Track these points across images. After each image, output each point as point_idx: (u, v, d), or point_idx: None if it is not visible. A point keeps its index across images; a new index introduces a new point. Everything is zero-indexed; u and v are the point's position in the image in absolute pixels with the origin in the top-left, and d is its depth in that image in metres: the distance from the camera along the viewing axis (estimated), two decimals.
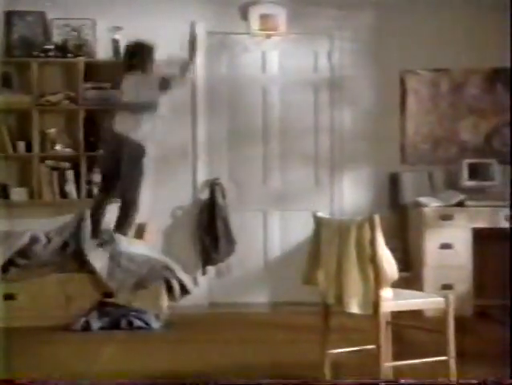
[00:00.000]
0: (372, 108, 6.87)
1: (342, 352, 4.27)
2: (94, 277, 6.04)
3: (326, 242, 3.98)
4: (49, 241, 6.24)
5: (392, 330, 4.25)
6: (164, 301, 6.04)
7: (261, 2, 6.81)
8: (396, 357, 4.16)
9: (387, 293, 3.83)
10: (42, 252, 6.16)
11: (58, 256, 6.17)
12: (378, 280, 3.76)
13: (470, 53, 6.80)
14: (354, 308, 3.83)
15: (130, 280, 6.01)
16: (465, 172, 6.65)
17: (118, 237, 6.22)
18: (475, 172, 6.66)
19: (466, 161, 6.70)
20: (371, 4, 6.82)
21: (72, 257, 6.15)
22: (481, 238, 6.34)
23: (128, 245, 6.22)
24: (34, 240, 6.20)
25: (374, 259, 3.76)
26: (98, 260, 6.07)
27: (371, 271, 3.77)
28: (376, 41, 6.83)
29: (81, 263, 6.10)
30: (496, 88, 6.93)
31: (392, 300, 3.88)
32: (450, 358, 3.93)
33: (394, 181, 6.78)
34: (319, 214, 4.16)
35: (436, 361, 3.95)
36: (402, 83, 6.90)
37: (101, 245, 6.19)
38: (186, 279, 6.17)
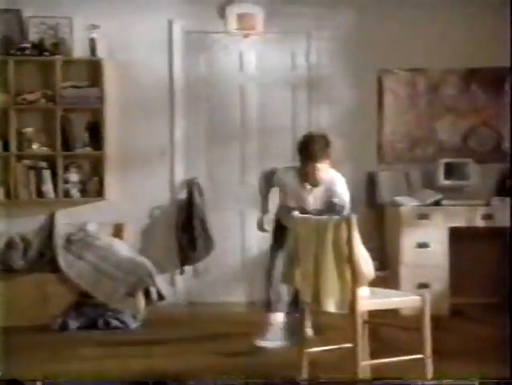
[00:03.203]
0: (350, 108, 6.89)
1: (320, 351, 4.29)
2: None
3: (303, 241, 3.99)
4: (26, 246, 6.22)
5: (370, 328, 4.28)
6: (142, 304, 6.03)
7: (238, 1, 6.79)
8: (374, 355, 4.18)
9: (363, 292, 3.85)
10: (18, 260, 6.14)
11: (35, 263, 6.16)
12: (355, 279, 3.78)
13: (446, 53, 6.84)
14: (330, 307, 3.85)
15: (119, 290, 6.00)
16: (442, 172, 6.69)
17: (98, 239, 6.23)
18: (451, 171, 6.70)
19: (443, 161, 6.74)
20: (348, 4, 6.83)
21: (49, 263, 6.14)
22: (458, 237, 6.38)
23: (110, 247, 6.21)
24: (10, 245, 6.19)
25: (351, 258, 3.77)
26: (75, 270, 6.05)
27: (348, 270, 3.79)
28: (354, 40, 6.85)
29: (58, 268, 6.09)
30: (472, 88, 6.97)
31: (368, 299, 3.90)
32: (426, 356, 3.95)
33: (371, 180, 6.80)
34: (297, 213, 4.18)
35: (412, 359, 3.97)
36: (379, 82, 6.93)
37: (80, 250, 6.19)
38: (162, 285, 6.19)
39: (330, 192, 4.98)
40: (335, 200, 4.91)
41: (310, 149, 4.84)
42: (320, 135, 5.03)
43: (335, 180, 5.05)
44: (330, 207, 4.88)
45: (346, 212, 4.79)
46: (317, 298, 3.86)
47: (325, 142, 4.92)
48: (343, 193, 5.01)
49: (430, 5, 6.79)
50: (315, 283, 3.87)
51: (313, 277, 3.88)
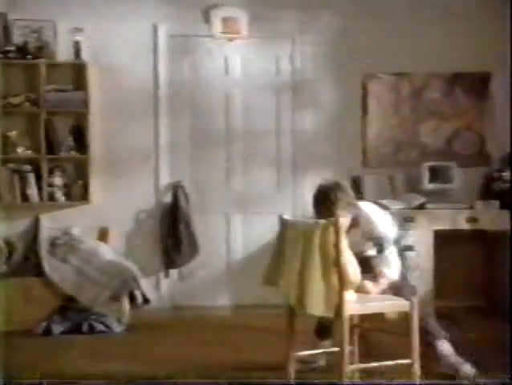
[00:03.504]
0: (334, 111, 6.91)
1: (307, 354, 4.29)
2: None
3: (290, 244, 3.99)
4: (10, 250, 6.19)
5: (360, 332, 4.30)
6: (126, 308, 6.02)
7: (223, 5, 6.81)
8: (363, 359, 4.19)
9: (350, 296, 3.86)
10: (1, 264, 6.12)
11: (19, 267, 6.13)
12: (341, 283, 3.78)
13: (430, 57, 6.87)
14: (315, 310, 3.85)
15: (104, 293, 5.98)
16: (426, 175, 6.72)
17: (82, 242, 6.21)
18: (436, 175, 6.72)
19: (427, 164, 6.77)
20: (332, 8, 6.85)
21: (34, 267, 6.11)
22: (442, 240, 6.40)
23: (95, 251, 6.19)
24: None
25: (338, 262, 3.78)
26: (59, 274, 6.03)
27: (335, 274, 3.79)
28: (338, 44, 6.86)
29: (42, 272, 6.06)
30: (455, 92, 7.01)
31: (355, 303, 3.90)
32: (415, 360, 3.97)
33: (356, 184, 6.82)
34: (285, 216, 4.18)
35: (400, 363, 4.00)
36: (363, 86, 6.95)
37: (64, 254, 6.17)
38: (147, 289, 6.17)
39: (366, 228, 4.42)
40: (374, 233, 4.39)
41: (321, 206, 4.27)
42: (330, 186, 4.33)
43: (360, 214, 4.39)
44: (373, 241, 4.41)
45: (390, 239, 4.41)
46: (302, 301, 3.85)
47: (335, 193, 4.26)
48: (376, 222, 4.42)
49: (414, 10, 6.82)
50: (300, 286, 3.86)
51: (299, 279, 3.88)
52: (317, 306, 3.81)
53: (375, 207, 4.56)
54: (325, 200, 4.18)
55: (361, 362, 4.20)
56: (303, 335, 4.40)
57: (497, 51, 6.71)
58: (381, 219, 4.45)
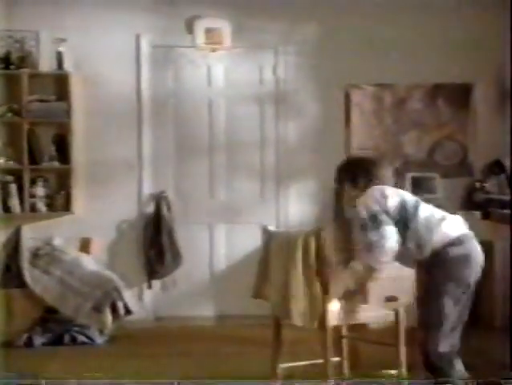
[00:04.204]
0: (317, 122, 6.92)
1: (293, 366, 4.28)
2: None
3: (274, 255, 4.00)
4: None
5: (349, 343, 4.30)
6: (109, 319, 5.98)
7: (206, 16, 6.81)
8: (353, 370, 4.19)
9: (334, 306, 3.86)
10: None
11: (0, 279, 6.09)
12: (325, 293, 3.78)
13: (413, 68, 6.90)
14: (300, 321, 3.85)
15: (86, 304, 5.94)
16: (409, 186, 6.74)
17: (64, 253, 6.18)
18: (418, 185, 6.74)
19: (410, 175, 6.79)
20: (314, 19, 6.87)
21: (15, 278, 6.07)
22: None
23: (77, 262, 6.17)
24: None
25: (321, 272, 3.78)
26: (41, 285, 6.00)
27: (318, 284, 3.79)
28: (321, 55, 6.88)
29: (24, 283, 6.02)
30: (437, 103, 7.05)
31: (339, 313, 3.90)
32: (401, 370, 3.97)
33: (339, 195, 6.82)
34: (269, 227, 4.18)
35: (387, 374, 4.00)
36: (346, 97, 6.97)
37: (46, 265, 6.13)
38: (130, 300, 6.14)
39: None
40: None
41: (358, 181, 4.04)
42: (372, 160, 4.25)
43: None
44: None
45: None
46: (287, 312, 3.85)
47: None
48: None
49: (397, 20, 6.84)
50: (285, 297, 3.86)
51: (283, 290, 3.87)
52: (301, 317, 3.80)
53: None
54: (366, 174, 4.01)
55: (350, 373, 4.18)
56: (289, 346, 4.39)
57: (479, 62, 6.76)
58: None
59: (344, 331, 4.27)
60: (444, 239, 3.82)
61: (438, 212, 3.99)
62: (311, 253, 3.80)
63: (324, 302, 3.78)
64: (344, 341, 4.32)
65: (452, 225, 3.91)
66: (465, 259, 3.81)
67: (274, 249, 4.01)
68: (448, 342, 3.79)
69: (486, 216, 6.40)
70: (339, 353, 4.18)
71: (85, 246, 6.50)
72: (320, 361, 3.98)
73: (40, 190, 6.50)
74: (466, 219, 6.43)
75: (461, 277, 3.79)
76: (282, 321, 4.07)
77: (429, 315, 3.82)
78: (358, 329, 4.40)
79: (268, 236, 4.11)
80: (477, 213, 6.45)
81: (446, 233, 3.85)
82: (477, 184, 6.76)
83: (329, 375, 3.81)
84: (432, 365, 3.78)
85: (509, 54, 6.62)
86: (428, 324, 3.83)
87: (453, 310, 3.78)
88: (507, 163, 6.72)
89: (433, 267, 3.81)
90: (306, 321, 3.83)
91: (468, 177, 6.95)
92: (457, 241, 3.84)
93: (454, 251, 3.78)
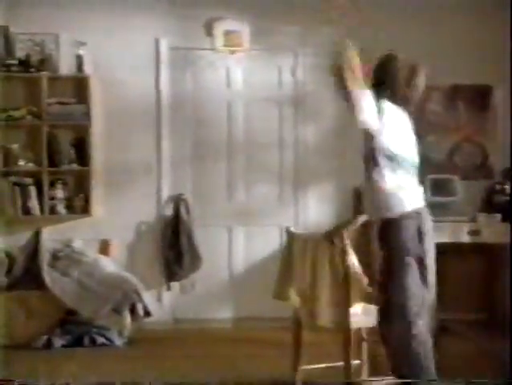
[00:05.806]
0: (336, 123, 6.90)
1: (314, 368, 4.26)
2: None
3: (298, 257, 3.98)
4: (11, 263, 6.18)
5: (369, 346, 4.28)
6: (128, 321, 6.00)
7: (225, 19, 6.83)
8: (372, 373, 4.18)
9: (356, 309, 3.85)
10: (2, 277, 6.10)
11: (19, 280, 6.12)
12: (349, 295, 3.76)
13: (431, 70, 6.85)
14: (327, 322, 3.83)
15: (105, 306, 5.95)
16: (428, 188, 6.71)
17: (84, 255, 6.20)
18: (437, 187, 6.71)
19: (429, 177, 6.76)
20: (332, 21, 6.85)
21: (35, 280, 6.09)
22: (444, 253, 6.38)
23: (96, 263, 6.18)
24: None
25: (346, 274, 3.76)
26: (60, 286, 6.01)
27: (343, 286, 3.78)
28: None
29: (43, 285, 6.04)
30: (457, 105, 7.01)
31: (361, 316, 3.89)
32: None
33: (358, 196, 6.80)
34: (292, 229, 4.17)
35: None
36: None
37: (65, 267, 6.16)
38: (149, 301, 6.15)
39: None
40: None
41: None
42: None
43: None
44: None
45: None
46: (312, 314, 3.84)
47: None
48: None
49: (414, 23, 6.82)
50: (312, 299, 3.85)
51: (309, 292, 3.86)
52: (327, 318, 3.79)
53: None
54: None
55: (370, 376, 4.16)
56: (309, 348, 4.38)
57: (498, 64, 6.72)
58: None
59: (364, 334, 4.25)
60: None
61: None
62: (337, 254, 3.78)
63: (348, 304, 3.77)
64: (364, 344, 4.30)
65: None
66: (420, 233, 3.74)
67: (298, 251, 3.99)
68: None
69: (506, 218, 6.36)
70: (358, 356, 4.16)
71: (104, 248, 6.53)
72: (340, 364, 3.96)
73: (59, 192, 6.53)
74: (486, 221, 6.47)
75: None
76: (304, 322, 4.05)
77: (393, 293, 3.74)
78: (378, 332, 4.38)
79: (291, 237, 4.09)
80: (498, 216, 6.41)
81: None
82: (497, 187, 6.72)
83: (352, 377, 3.80)
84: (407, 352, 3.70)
85: None
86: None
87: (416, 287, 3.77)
88: None
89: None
90: (332, 322, 3.82)
91: (488, 179, 6.91)
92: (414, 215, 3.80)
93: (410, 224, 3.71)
